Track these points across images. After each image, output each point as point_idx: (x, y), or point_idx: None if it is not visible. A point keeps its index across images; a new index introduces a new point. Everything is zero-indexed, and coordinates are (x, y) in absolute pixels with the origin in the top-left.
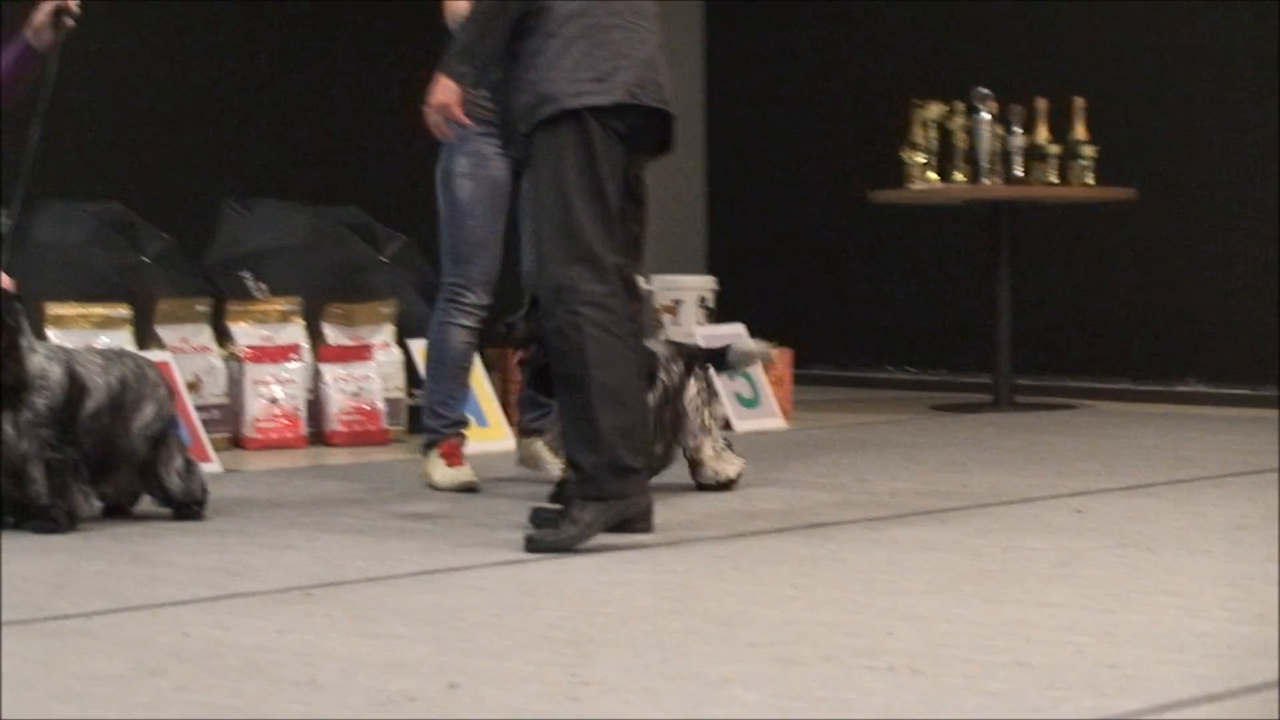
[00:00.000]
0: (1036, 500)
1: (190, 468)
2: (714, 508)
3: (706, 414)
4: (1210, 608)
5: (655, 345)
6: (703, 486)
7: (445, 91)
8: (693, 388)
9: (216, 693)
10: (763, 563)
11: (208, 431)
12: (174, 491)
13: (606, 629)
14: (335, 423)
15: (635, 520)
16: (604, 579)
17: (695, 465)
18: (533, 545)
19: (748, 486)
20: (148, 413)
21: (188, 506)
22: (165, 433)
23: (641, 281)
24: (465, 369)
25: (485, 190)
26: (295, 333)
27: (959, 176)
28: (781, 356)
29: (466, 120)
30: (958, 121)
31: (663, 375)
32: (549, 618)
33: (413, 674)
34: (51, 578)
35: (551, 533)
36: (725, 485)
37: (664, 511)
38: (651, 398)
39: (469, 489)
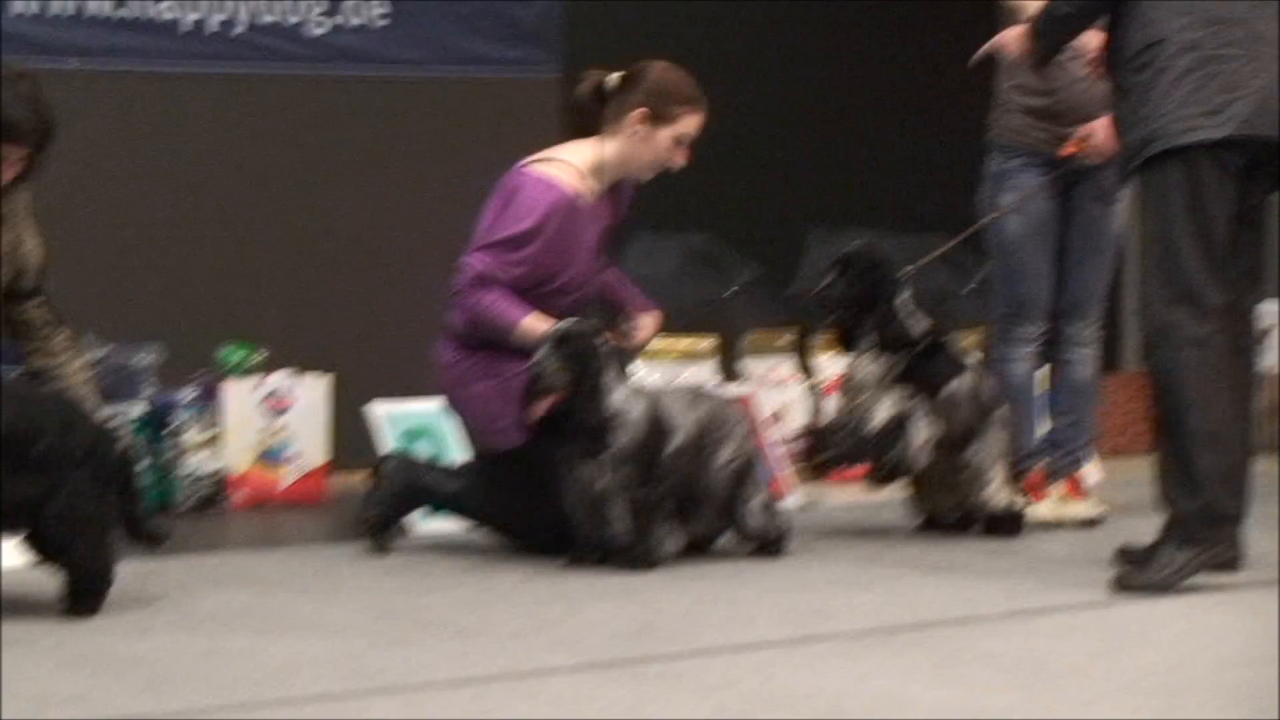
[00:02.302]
0: None
1: (770, 504)
2: None
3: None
4: None
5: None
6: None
7: (1013, 33)
8: (990, 438)
9: None
10: None
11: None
12: (754, 528)
13: (1197, 677)
14: None
15: (1225, 562)
16: (1193, 623)
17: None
18: (1122, 584)
19: None
20: (729, 451)
21: (768, 543)
22: (746, 470)
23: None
24: (1031, 399)
25: (1032, 223)
26: None
27: None
28: None
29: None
30: None
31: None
32: (1138, 664)
33: None
34: (637, 616)
35: (1141, 573)
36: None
37: (1251, 550)
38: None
39: (1073, 523)
